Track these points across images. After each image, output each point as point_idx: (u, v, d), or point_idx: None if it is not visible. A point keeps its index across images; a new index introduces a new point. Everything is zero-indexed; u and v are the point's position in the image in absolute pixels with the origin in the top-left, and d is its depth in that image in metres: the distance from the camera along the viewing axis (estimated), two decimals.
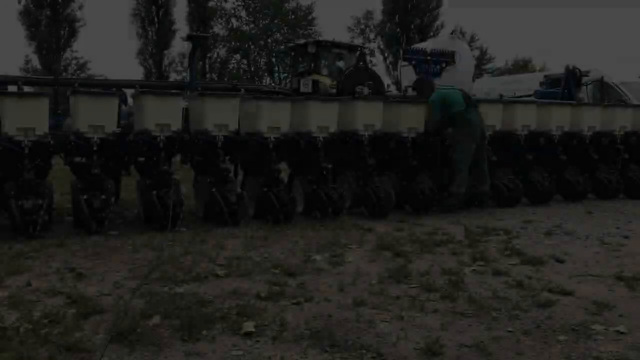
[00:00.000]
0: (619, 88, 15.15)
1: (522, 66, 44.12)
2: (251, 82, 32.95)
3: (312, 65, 13.94)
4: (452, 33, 18.04)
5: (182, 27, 36.94)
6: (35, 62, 34.31)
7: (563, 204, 8.34)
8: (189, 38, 8.52)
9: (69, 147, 6.29)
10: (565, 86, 12.14)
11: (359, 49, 15.71)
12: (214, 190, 6.44)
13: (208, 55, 39.68)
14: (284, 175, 7.34)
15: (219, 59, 42.14)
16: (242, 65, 42.89)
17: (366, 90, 8.48)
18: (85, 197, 5.81)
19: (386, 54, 41.24)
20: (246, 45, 41.21)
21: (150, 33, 36.39)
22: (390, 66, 40.49)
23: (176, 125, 6.39)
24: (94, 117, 6.09)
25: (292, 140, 6.98)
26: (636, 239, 5.91)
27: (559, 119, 8.48)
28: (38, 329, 3.15)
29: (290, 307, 3.63)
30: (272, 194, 6.54)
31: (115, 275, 4.34)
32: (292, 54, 15.52)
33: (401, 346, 3.04)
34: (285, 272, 4.40)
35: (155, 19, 36.29)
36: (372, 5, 64.20)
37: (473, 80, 19.88)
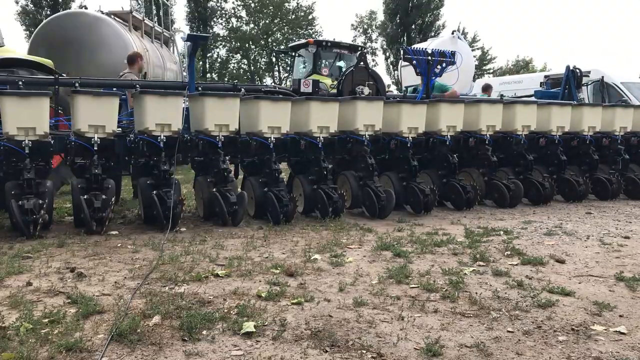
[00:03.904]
0: (620, 88, 15.15)
1: (523, 66, 44.18)
2: (251, 82, 33.02)
3: (312, 65, 13.96)
4: (452, 33, 18.04)
5: (182, 26, 37.04)
6: None
7: (563, 204, 8.33)
8: (188, 38, 8.48)
9: (69, 147, 6.29)
10: (565, 86, 12.14)
11: (360, 48, 15.71)
12: (214, 190, 6.45)
13: (208, 55, 39.70)
14: (284, 175, 7.34)
15: (219, 59, 42.18)
16: (243, 65, 42.96)
17: (366, 90, 8.46)
18: (85, 197, 5.81)
19: (387, 54, 41.32)
20: (246, 45, 41.26)
21: None
22: (391, 66, 40.57)
23: (177, 125, 6.40)
24: (95, 116, 6.09)
25: (293, 140, 6.98)
26: (636, 239, 5.91)
27: (559, 120, 8.48)
28: (38, 328, 3.15)
29: (290, 307, 3.63)
30: (273, 194, 6.54)
31: (115, 275, 4.34)
32: (293, 54, 15.53)
33: (401, 346, 3.04)
34: (286, 272, 4.40)
35: (155, 18, 36.31)
36: (374, 5, 64.20)
37: (474, 80, 19.88)
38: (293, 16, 43.00)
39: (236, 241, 5.61)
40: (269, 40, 42.20)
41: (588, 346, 3.08)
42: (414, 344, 3.06)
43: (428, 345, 3.01)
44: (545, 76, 17.20)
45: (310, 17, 42.90)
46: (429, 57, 8.67)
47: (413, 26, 39.95)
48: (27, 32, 33.59)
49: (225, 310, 3.50)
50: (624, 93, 15.01)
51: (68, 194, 7.48)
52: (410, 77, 13.61)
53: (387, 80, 37.29)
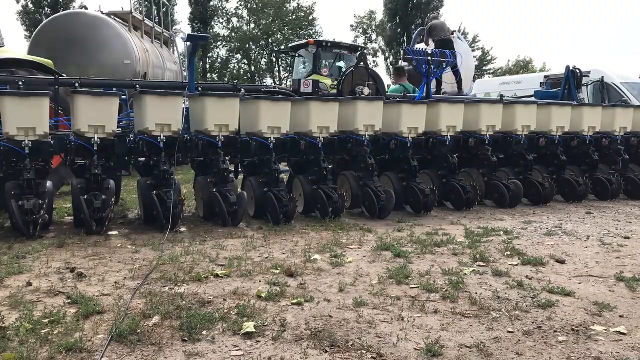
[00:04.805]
0: (620, 88, 15.15)
1: (522, 67, 44.20)
2: (252, 83, 33.06)
3: (313, 65, 13.96)
4: (453, 33, 18.01)
5: (183, 27, 37.09)
6: None
7: (563, 204, 8.33)
8: (188, 38, 8.49)
9: (69, 148, 6.29)
10: (565, 87, 12.14)
11: (360, 49, 15.70)
12: (214, 190, 6.45)
13: (209, 55, 39.72)
14: (284, 176, 7.33)
15: (219, 59, 42.17)
16: (243, 66, 42.98)
17: (367, 91, 8.46)
18: (85, 197, 5.81)
19: (387, 54, 41.36)
20: (247, 46, 41.29)
21: None
22: (391, 67, 40.60)
23: (177, 125, 6.40)
24: (95, 117, 6.09)
25: (293, 141, 6.98)
26: (637, 239, 5.91)
27: (559, 120, 8.48)
28: (38, 329, 3.15)
29: (290, 307, 3.63)
30: (273, 194, 6.54)
31: (115, 275, 4.34)
32: (293, 54, 15.54)
33: (401, 347, 3.04)
34: (286, 272, 4.40)
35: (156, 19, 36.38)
36: (374, 5, 64.20)
37: (474, 81, 19.87)
38: (293, 17, 43.01)
39: (236, 241, 5.61)
40: (270, 40, 42.23)
41: (588, 346, 3.08)
42: (414, 345, 3.06)
43: (428, 345, 3.01)
44: (545, 76, 17.18)
45: (310, 17, 42.94)
46: (430, 58, 8.67)
47: (413, 26, 39.97)
48: (28, 33, 33.65)
49: (226, 311, 3.50)
50: (624, 93, 15.01)
51: (68, 195, 7.48)
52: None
53: (387, 80, 37.31)
